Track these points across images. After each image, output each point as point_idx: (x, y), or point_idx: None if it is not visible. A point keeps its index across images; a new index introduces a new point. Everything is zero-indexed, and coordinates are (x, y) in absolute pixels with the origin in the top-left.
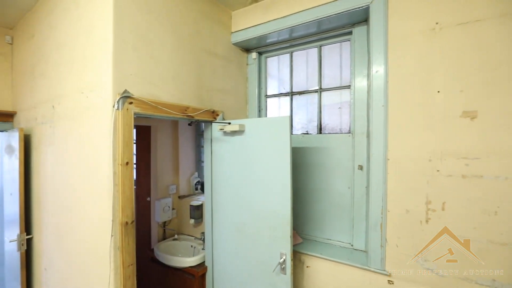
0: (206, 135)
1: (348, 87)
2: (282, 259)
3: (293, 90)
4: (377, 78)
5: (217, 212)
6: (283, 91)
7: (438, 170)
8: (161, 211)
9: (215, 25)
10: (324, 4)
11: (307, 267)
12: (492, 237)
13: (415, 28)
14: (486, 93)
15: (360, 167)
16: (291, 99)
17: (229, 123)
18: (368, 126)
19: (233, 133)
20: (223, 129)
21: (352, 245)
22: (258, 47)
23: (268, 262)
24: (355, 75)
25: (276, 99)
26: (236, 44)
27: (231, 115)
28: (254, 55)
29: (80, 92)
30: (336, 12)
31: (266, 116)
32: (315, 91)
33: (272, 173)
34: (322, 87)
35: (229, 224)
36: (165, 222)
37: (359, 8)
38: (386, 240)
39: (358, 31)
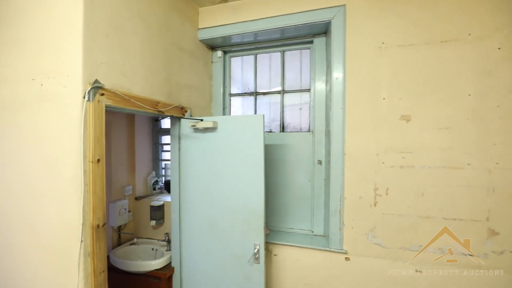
0: (173, 131)
1: (308, 90)
2: (256, 249)
3: (257, 91)
4: (337, 84)
5: (186, 210)
6: (247, 91)
7: (383, 162)
8: (116, 214)
9: (184, 20)
10: (289, 14)
11: (274, 255)
12: (420, 213)
13: (367, 45)
14: (417, 101)
15: (319, 162)
16: (255, 99)
17: (202, 120)
18: (327, 126)
19: (205, 130)
20: (195, 125)
21: (312, 232)
22: (224, 46)
23: (242, 254)
24: (315, 80)
25: (239, 98)
26: (202, 41)
27: (197, 112)
28: (219, 53)
29: (30, 78)
30: (299, 23)
31: (230, 115)
32: (278, 92)
33: (246, 169)
34: (285, 89)
35: (200, 221)
36: (120, 226)
37: (321, 22)
38: (343, 223)
39: (318, 41)
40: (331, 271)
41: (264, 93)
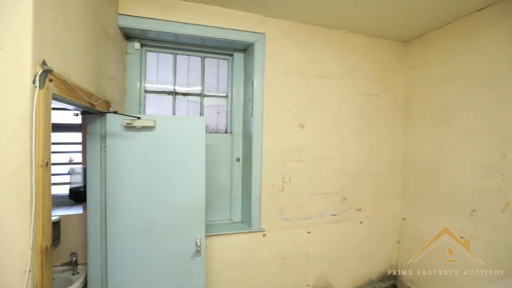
0: (93, 129)
1: (226, 96)
2: (198, 242)
3: (176, 91)
4: (258, 96)
5: (115, 218)
6: (166, 90)
7: (288, 158)
8: None
9: (107, 1)
10: (217, 27)
11: (206, 247)
12: (309, 192)
13: (279, 69)
14: (308, 114)
15: (238, 159)
16: (174, 99)
17: (139, 118)
18: (248, 128)
19: (141, 129)
20: (131, 123)
21: (231, 220)
22: (142, 39)
23: (185, 249)
24: (232, 88)
25: (154, 96)
26: (121, 29)
27: (115, 107)
28: (137, 45)
29: None
30: (225, 38)
31: (145, 113)
32: (198, 94)
33: (188, 168)
34: (204, 93)
35: (134, 227)
36: None
37: (245, 42)
38: (261, 208)
39: (238, 56)
40: (252, 248)
41: (184, 94)
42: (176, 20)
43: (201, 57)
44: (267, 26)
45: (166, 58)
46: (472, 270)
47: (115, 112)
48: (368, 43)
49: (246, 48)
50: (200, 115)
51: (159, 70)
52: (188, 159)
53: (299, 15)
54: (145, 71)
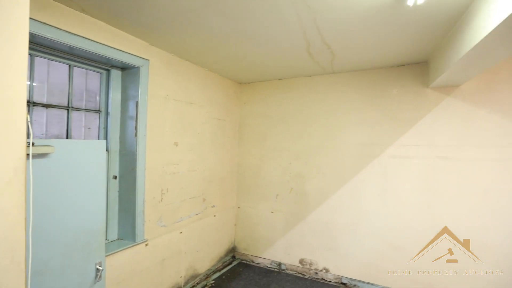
0: None
1: (98, 111)
2: (98, 267)
3: (35, 101)
4: (142, 117)
5: None
6: None
7: (165, 172)
8: None
9: None
10: (96, 42)
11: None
12: (181, 199)
13: (160, 93)
14: (181, 134)
15: (115, 177)
16: (31, 110)
17: (33, 144)
18: (131, 146)
19: (35, 156)
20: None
21: (108, 240)
22: None
23: (85, 277)
24: (107, 105)
25: None
26: None
27: None
28: None
29: None
30: (102, 54)
31: None
32: (65, 108)
33: (86, 193)
34: (72, 106)
35: None
36: None
37: (132, 65)
38: (145, 220)
39: (115, 73)
40: (136, 259)
41: (46, 106)
42: (53, 24)
43: (70, 65)
44: (152, 53)
45: None
46: (273, 228)
47: None
48: (220, 81)
49: (125, 68)
50: (68, 130)
51: None
52: (87, 183)
53: (175, 49)
54: None
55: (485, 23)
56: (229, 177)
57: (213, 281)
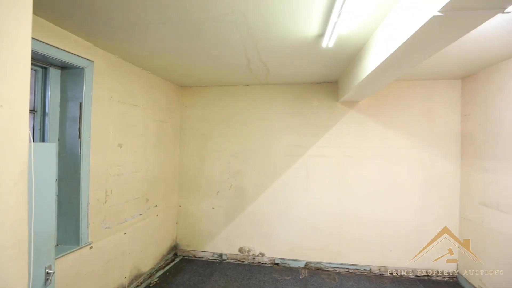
0: None
1: (33, 111)
2: (48, 271)
3: None
4: (86, 119)
5: None
6: None
7: (110, 173)
8: None
9: None
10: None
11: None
12: (125, 199)
13: (104, 95)
14: (125, 135)
15: (55, 180)
16: None
17: None
18: (74, 148)
19: None
20: None
21: None
22: None
23: (35, 281)
24: (48, 106)
25: None
26: None
27: None
28: None
29: None
30: (43, 52)
31: None
32: None
33: (37, 197)
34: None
35: None
36: None
37: (76, 66)
38: (89, 223)
39: (54, 72)
40: (80, 263)
41: None
42: None
43: None
44: (96, 54)
45: None
46: (214, 222)
47: None
48: (163, 84)
49: (65, 67)
50: None
51: None
52: (37, 188)
53: (120, 52)
54: None
55: (371, 62)
56: (171, 177)
57: (157, 279)
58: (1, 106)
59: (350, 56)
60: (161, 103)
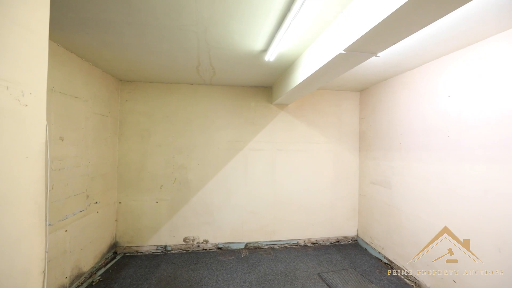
0: None
1: None
2: None
3: None
4: None
5: None
6: None
7: (51, 168)
8: None
9: None
10: None
11: None
12: (66, 195)
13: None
14: (67, 128)
15: None
16: None
17: None
18: None
19: None
20: None
21: None
22: None
23: None
24: None
25: None
26: None
27: None
28: None
29: None
30: None
31: None
32: None
33: None
34: None
35: None
36: None
37: None
38: None
39: None
40: None
41: None
42: None
43: None
44: None
45: None
46: (158, 216)
47: None
48: (103, 76)
49: None
50: None
51: None
52: None
53: (63, 40)
54: None
55: (301, 75)
56: (111, 172)
57: (99, 277)
58: (30, 94)
59: (284, 68)
60: (102, 96)
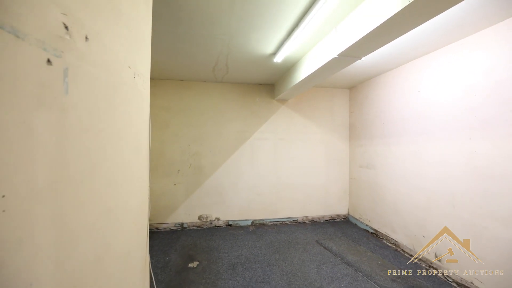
0: None
1: None
2: None
3: None
4: None
5: None
6: None
7: None
8: None
9: None
10: None
11: None
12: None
13: None
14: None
15: None
16: None
17: None
18: None
19: None
20: None
21: None
22: None
23: None
24: None
25: None
26: None
27: None
28: None
29: (127, 65)
30: None
31: None
32: None
33: None
34: None
35: None
36: None
37: None
38: None
39: None
40: None
41: None
42: None
43: None
44: None
45: None
46: (175, 197)
47: None
48: None
49: None
50: None
51: None
52: None
53: None
54: None
55: (302, 74)
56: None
57: None
58: (139, 77)
59: (286, 68)
60: None
